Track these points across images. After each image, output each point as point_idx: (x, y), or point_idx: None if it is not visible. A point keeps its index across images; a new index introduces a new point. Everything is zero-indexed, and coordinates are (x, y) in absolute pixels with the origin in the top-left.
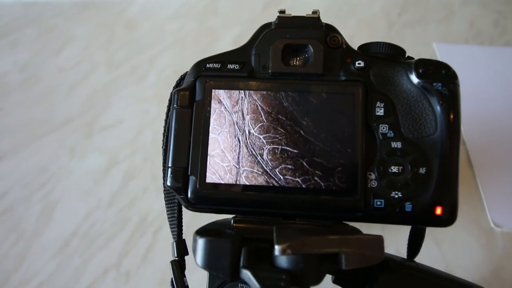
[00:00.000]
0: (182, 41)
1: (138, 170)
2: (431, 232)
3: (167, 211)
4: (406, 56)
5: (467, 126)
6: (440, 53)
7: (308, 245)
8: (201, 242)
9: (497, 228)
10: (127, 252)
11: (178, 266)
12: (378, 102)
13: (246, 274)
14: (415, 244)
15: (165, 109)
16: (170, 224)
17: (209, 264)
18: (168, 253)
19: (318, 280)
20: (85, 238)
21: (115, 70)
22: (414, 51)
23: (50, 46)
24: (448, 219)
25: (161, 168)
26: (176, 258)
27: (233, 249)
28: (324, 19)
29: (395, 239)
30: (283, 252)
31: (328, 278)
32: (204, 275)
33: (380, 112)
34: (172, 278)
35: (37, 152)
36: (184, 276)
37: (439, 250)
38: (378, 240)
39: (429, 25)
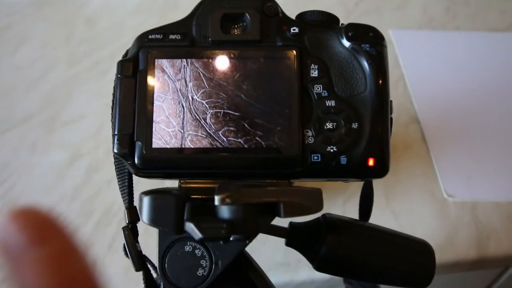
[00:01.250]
0: None
1: (102, 162)
2: (389, 205)
3: (118, 180)
4: (340, 24)
5: (421, 105)
6: (396, 38)
7: (247, 195)
8: (146, 199)
9: (450, 198)
10: (92, 243)
11: (130, 232)
12: (312, 65)
13: (189, 226)
14: (365, 206)
15: None
16: (121, 193)
17: (154, 219)
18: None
19: (257, 229)
20: None
21: (75, 66)
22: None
23: (6, 46)
24: (380, 170)
25: None
26: (128, 225)
27: (177, 204)
28: (284, 8)
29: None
30: (222, 201)
31: (281, 241)
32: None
33: (314, 74)
34: (123, 243)
35: None
36: (137, 242)
37: (397, 222)
38: (317, 192)
39: (384, 13)
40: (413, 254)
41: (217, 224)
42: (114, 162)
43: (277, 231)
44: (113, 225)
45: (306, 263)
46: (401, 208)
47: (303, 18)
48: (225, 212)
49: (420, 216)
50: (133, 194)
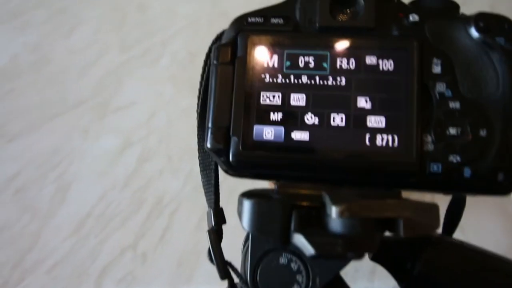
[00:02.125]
0: (195, 24)
1: (153, 151)
2: None
3: (202, 178)
4: (460, 13)
5: None
6: None
7: (367, 208)
8: (248, 204)
9: None
10: (143, 233)
11: (216, 236)
12: (435, 59)
13: (299, 239)
14: (453, 219)
15: (180, 92)
16: (205, 192)
17: (259, 227)
18: (185, 235)
19: (374, 246)
20: (100, 219)
21: (127, 52)
22: None
23: (60, 28)
24: (509, 186)
25: (175, 149)
26: (213, 227)
27: (284, 211)
28: None
29: None
30: (340, 214)
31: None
32: (237, 246)
33: (437, 69)
34: (209, 248)
35: (50, 134)
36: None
37: (464, 236)
38: (435, 207)
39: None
40: None
41: (331, 239)
42: (199, 156)
43: None
44: (164, 217)
45: (364, 273)
46: (468, 223)
47: (419, 4)
48: (340, 226)
49: (489, 232)
50: (219, 193)
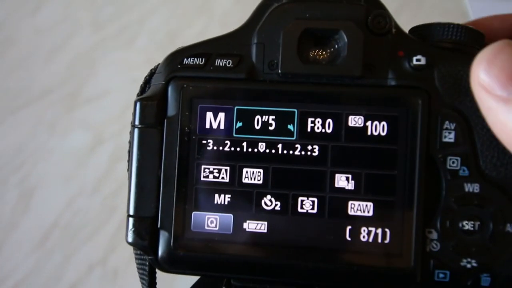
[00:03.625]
0: None
1: (126, 149)
2: None
3: (136, 265)
4: (484, 43)
5: None
6: (473, 10)
7: None
8: None
9: None
10: (114, 247)
11: None
12: (447, 122)
13: None
14: None
15: None
16: (140, 281)
17: None
18: None
19: None
20: (67, 230)
21: (100, 31)
22: (442, 7)
23: (25, 4)
24: None
25: None
26: None
27: None
28: None
29: None
30: None
31: None
32: None
33: (449, 137)
34: None
35: (12, 129)
36: None
37: None
38: None
39: None
40: None
41: None
42: (134, 252)
43: None
44: None
45: None
46: None
47: (426, 35)
48: None
49: None
50: (155, 286)
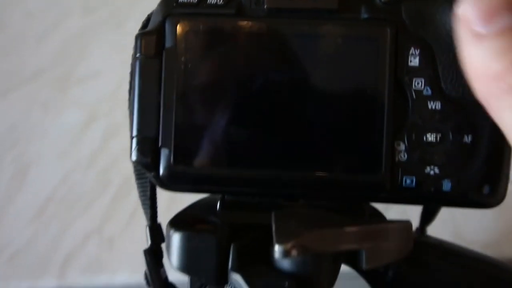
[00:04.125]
0: None
1: (120, 127)
2: None
3: (138, 188)
4: None
5: None
6: None
7: (319, 242)
8: (177, 237)
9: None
10: (109, 217)
11: (153, 256)
12: (412, 49)
13: (237, 280)
14: (428, 217)
15: None
16: (142, 205)
17: (188, 266)
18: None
19: (331, 283)
20: (62, 203)
21: (91, 15)
22: None
23: None
24: (494, 200)
25: None
26: (150, 246)
27: (219, 247)
28: None
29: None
30: (286, 253)
31: None
32: None
33: (414, 62)
34: (145, 271)
35: (5, 109)
36: (162, 266)
37: (448, 210)
38: (406, 228)
39: None
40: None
41: (276, 281)
42: (133, 168)
43: None
44: (132, 199)
45: None
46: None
47: None
48: (287, 263)
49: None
50: (156, 208)
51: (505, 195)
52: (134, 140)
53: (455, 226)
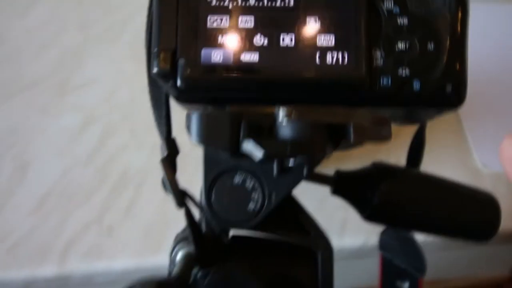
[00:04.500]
0: None
1: (116, 128)
2: None
3: (153, 113)
4: None
5: None
6: None
7: (314, 113)
8: (196, 116)
9: (485, 168)
10: (108, 207)
11: (169, 164)
12: None
13: (248, 144)
14: (416, 151)
15: (142, 69)
16: (157, 126)
17: (206, 137)
18: (152, 206)
19: (323, 152)
20: (62, 196)
21: (87, 30)
22: None
23: (16, 7)
24: (457, 98)
25: (140, 124)
26: (166, 156)
27: (232, 120)
28: None
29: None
30: (288, 115)
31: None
32: (196, 176)
33: None
34: (162, 178)
35: (6, 113)
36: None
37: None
38: (385, 119)
39: None
40: (476, 203)
41: (280, 143)
42: (149, 92)
43: (323, 179)
44: (130, 190)
45: (334, 231)
46: None
47: None
48: (288, 130)
49: None
50: (171, 124)
51: (465, 96)
52: (155, 54)
53: None
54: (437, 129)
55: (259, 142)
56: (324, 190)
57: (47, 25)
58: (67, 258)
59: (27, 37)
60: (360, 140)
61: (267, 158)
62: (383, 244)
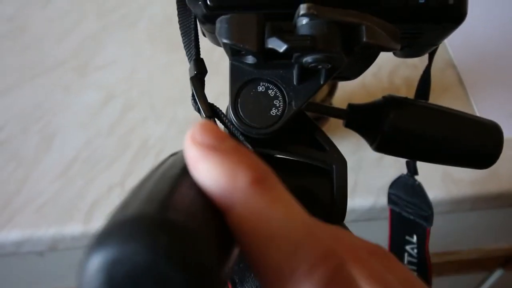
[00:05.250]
0: None
1: (136, 102)
2: None
3: (183, 40)
4: None
5: (456, 51)
6: None
7: (331, 12)
8: (225, 18)
9: None
10: (130, 172)
11: (198, 81)
12: None
13: (272, 40)
14: (423, 86)
15: (159, 51)
16: (186, 50)
17: (235, 36)
18: None
19: (339, 46)
20: (86, 162)
21: (105, 18)
22: None
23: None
24: (459, 11)
25: (158, 99)
26: (196, 74)
27: (258, 20)
28: None
29: None
30: (308, 10)
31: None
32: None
33: None
34: (192, 93)
35: (31, 91)
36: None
37: None
38: (394, 29)
39: None
40: (481, 129)
41: (301, 37)
42: (179, 21)
43: (336, 112)
44: (150, 157)
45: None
46: None
47: None
48: (307, 28)
49: None
50: (199, 47)
51: (466, 11)
52: None
53: (444, 166)
54: (444, 101)
55: (282, 37)
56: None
57: (67, 14)
58: (92, 217)
59: (49, 25)
60: (372, 41)
61: (289, 51)
62: (392, 198)
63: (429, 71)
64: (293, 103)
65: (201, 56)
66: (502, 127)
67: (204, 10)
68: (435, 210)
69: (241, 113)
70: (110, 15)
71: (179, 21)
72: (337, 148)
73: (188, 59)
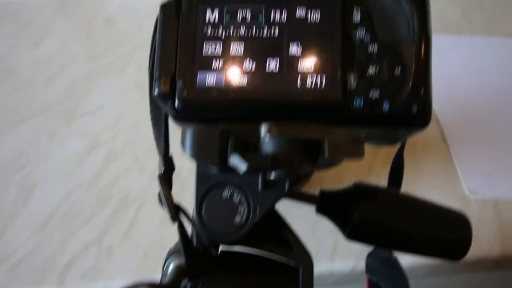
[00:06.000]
0: None
1: (120, 152)
2: None
3: (154, 132)
4: None
5: (440, 106)
6: None
7: (293, 129)
8: (190, 131)
9: (472, 195)
10: (109, 229)
11: (166, 180)
12: (355, 7)
13: (234, 158)
14: (396, 174)
15: (146, 97)
16: (157, 143)
17: (198, 151)
18: (151, 229)
19: (301, 166)
20: (65, 217)
21: (94, 61)
22: None
23: (27, 41)
24: (423, 118)
25: (142, 149)
26: (163, 172)
27: (221, 136)
28: None
29: None
30: (269, 130)
31: (312, 209)
32: (189, 194)
33: (357, 18)
34: (159, 193)
35: (14, 138)
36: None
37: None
38: (358, 137)
39: None
40: (449, 223)
41: (262, 157)
42: (150, 110)
43: (307, 198)
44: (130, 213)
45: (325, 255)
46: None
47: None
48: (269, 146)
49: None
50: (169, 142)
51: (430, 116)
52: (156, 78)
53: None
54: (426, 156)
55: (244, 156)
56: (316, 215)
57: (56, 57)
58: (66, 278)
59: (37, 67)
60: (334, 155)
61: (250, 171)
62: (369, 267)
63: (401, 157)
64: (257, 210)
65: (170, 153)
66: (481, 187)
67: (173, 113)
68: (414, 273)
69: (205, 218)
70: (99, 59)
71: (150, 112)
72: (304, 247)
73: (158, 152)
